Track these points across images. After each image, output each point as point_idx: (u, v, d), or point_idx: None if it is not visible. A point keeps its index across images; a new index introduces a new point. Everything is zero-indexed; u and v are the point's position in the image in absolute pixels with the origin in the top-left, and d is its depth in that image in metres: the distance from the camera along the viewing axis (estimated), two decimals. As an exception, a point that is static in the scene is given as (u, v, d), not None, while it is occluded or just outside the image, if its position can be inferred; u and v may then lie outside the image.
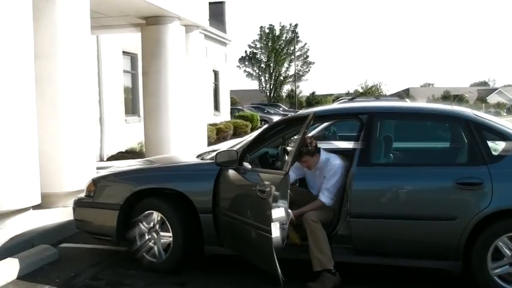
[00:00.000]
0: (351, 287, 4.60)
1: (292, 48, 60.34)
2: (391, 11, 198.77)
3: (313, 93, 65.35)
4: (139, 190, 5.19)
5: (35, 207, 6.57)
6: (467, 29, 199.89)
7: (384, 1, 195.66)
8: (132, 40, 14.84)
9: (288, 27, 61.22)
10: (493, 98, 73.26)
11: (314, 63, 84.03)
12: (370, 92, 62.26)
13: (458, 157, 4.94)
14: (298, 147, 4.50)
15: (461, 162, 4.73)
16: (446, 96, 65.02)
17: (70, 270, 5.23)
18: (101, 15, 10.46)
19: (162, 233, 5.09)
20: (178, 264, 5.06)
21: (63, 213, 6.78)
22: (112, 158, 13.82)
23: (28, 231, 5.98)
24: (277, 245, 4.11)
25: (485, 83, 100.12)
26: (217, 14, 25.79)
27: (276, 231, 4.11)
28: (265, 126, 5.82)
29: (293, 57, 60.08)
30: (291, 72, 61.48)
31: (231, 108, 29.72)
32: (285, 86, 63.54)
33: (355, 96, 43.68)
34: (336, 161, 4.88)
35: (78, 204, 5.69)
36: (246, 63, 62.82)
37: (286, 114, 21.79)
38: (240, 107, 34.21)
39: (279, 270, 4.04)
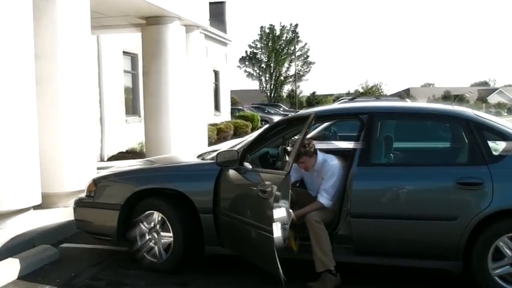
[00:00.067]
0: (351, 287, 4.60)
1: (292, 48, 60.33)
2: (392, 11, 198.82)
3: (314, 93, 65.36)
4: (139, 190, 5.20)
5: (36, 208, 6.57)
6: (467, 29, 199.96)
7: (384, 1, 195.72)
8: (133, 40, 14.85)
9: (288, 27, 61.32)
10: (493, 98, 73.23)
11: (314, 63, 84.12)
12: (371, 92, 62.27)
13: (458, 157, 4.94)
14: (299, 147, 4.50)
15: (462, 162, 4.72)
16: (447, 96, 65.03)
17: (71, 270, 5.23)
18: (101, 15, 10.46)
19: (162, 233, 5.09)
20: (179, 264, 5.06)
21: (63, 214, 6.79)
22: (112, 158, 13.83)
23: (29, 231, 5.98)
24: (279, 245, 4.11)
25: (485, 83, 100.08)
26: (217, 14, 25.81)
27: (277, 231, 4.11)
28: (266, 126, 5.82)
29: (293, 57, 60.08)
30: (292, 72, 61.58)
31: (232, 108, 29.72)
32: (285, 86, 63.60)
33: (355, 96, 43.67)
34: (333, 162, 4.88)
35: (79, 204, 5.69)
36: (247, 63, 62.84)
37: (287, 114, 21.79)
38: (240, 107, 34.19)
39: (281, 271, 4.04)
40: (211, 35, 23.64)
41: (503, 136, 4.56)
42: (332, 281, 4.47)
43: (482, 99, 70.48)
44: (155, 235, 5.11)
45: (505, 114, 54.04)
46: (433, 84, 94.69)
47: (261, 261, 4.45)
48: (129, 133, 15.18)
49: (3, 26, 5.88)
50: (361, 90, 65.60)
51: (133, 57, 16.39)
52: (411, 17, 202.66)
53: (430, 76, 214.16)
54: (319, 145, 5.51)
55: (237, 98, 47.76)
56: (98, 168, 7.86)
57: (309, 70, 63.24)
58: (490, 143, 4.48)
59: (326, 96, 63.86)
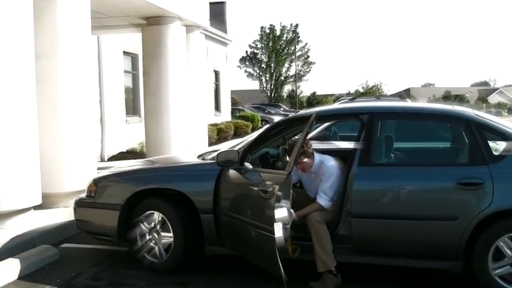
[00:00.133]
0: (351, 287, 4.60)
1: (292, 48, 60.34)
2: (392, 11, 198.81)
3: (314, 93, 65.38)
4: (140, 190, 5.20)
5: (36, 208, 6.58)
6: (468, 29, 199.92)
7: (384, 1, 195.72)
8: (133, 40, 14.85)
9: (288, 28, 61.34)
10: (493, 98, 73.22)
11: (315, 63, 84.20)
12: (371, 92, 62.26)
13: (459, 157, 4.93)
14: (300, 147, 4.49)
15: (462, 162, 4.72)
16: (447, 96, 65.02)
17: (71, 270, 5.23)
18: (102, 16, 10.47)
19: (163, 233, 5.09)
20: (179, 264, 5.06)
21: (64, 214, 6.79)
22: (113, 158, 13.83)
23: (29, 232, 5.99)
24: (280, 245, 4.11)
25: (486, 83, 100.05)
26: (217, 14, 25.81)
27: (278, 232, 4.11)
28: (266, 126, 5.82)
29: (294, 57, 60.09)
30: (292, 72, 61.60)
31: (232, 109, 29.72)
32: (285, 86, 63.63)
33: (355, 96, 43.67)
34: (331, 163, 4.87)
35: (79, 204, 5.69)
36: (247, 63, 62.86)
37: (287, 115, 21.78)
38: (240, 107, 34.18)
39: (282, 271, 4.04)
40: (211, 35, 23.65)
41: (503, 136, 4.56)
42: (333, 281, 4.47)
43: (482, 99, 70.48)
44: (155, 235, 5.11)
45: (506, 114, 54.04)
46: (434, 84, 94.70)
47: (262, 261, 4.45)
48: (130, 133, 15.18)
49: (4, 26, 5.89)
50: (362, 90, 65.60)
51: (133, 57, 16.40)
52: (411, 17, 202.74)
53: (431, 76, 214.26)
54: (319, 145, 5.52)
55: (237, 98, 47.76)
56: (98, 168, 7.86)
57: (309, 70, 63.36)
58: (491, 143, 4.48)
59: (326, 96, 63.86)
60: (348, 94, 61.65)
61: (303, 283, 4.54)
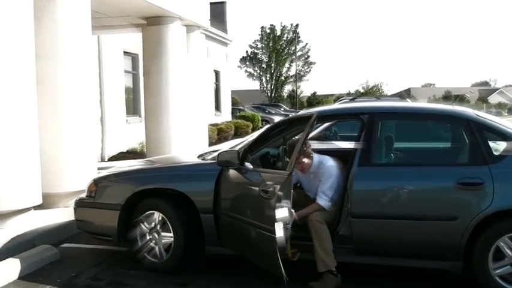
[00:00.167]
0: (352, 287, 4.60)
1: (293, 48, 60.38)
2: (392, 11, 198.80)
3: (314, 93, 65.39)
4: (140, 190, 5.20)
5: (36, 208, 6.58)
6: (468, 29, 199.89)
7: (385, 1, 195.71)
8: (133, 40, 14.85)
9: (289, 28, 61.38)
10: (494, 98, 73.18)
11: (315, 63, 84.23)
12: (371, 92, 62.26)
13: (459, 157, 4.93)
14: (301, 147, 4.49)
15: (463, 162, 4.72)
16: (448, 96, 65.00)
17: (71, 270, 5.23)
18: (102, 16, 10.47)
19: (163, 233, 5.09)
20: (180, 264, 5.06)
21: (64, 214, 6.79)
22: (113, 158, 13.83)
23: (29, 232, 5.99)
24: (281, 245, 4.12)
25: (486, 83, 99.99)
26: (218, 14, 25.80)
27: (279, 231, 4.11)
28: (267, 126, 5.82)
29: (294, 57, 60.12)
30: (292, 72, 61.64)
31: (232, 109, 29.73)
32: (286, 86, 63.66)
33: (356, 96, 43.67)
34: (329, 163, 4.87)
35: (79, 204, 5.69)
36: (247, 63, 62.88)
37: (287, 115, 21.77)
38: (241, 107, 34.20)
39: (283, 271, 4.04)
40: (212, 35, 23.64)
41: (503, 136, 4.56)
42: (333, 281, 4.47)
43: (483, 100, 70.44)
44: (156, 235, 5.11)
45: (506, 114, 54.00)
46: (434, 85, 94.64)
47: (262, 261, 4.45)
48: (130, 133, 15.19)
49: (4, 26, 5.89)
50: (362, 91, 65.59)
51: (134, 57, 16.41)
52: (412, 17, 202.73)
53: (431, 76, 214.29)
54: (319, 145, 5.51)
55: (237, 98, 47.78)
56: (99, 168, 7.86)
57: (310, 70, 63.42)
58: (491, 143, 4.48)
59: (327, 96, 63.87)
60: (348, 94, 61.65)
61: (303, 283, 4.54)
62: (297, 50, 60.26)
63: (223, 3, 29.37)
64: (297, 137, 5.23)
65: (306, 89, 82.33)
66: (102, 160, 13.50)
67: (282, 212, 4.13)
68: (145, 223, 5.14)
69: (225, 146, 5.81)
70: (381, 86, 66.37)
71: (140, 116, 15.63)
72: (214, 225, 4.93)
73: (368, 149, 4.67)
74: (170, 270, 5.03)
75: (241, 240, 4.73)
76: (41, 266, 5.34)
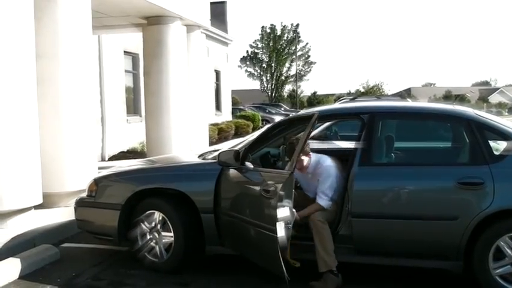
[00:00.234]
0: (352, 287, 4.60)
1: (293, 48, 60.35)
2: (393, 11, 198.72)
3: (315, 93, 65.38)
4: (140, 190, 5.20)
5: (37, 207, 6.59)
6: (468, 29, 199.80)
7: (385, 1, 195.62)
8: (134, 40, 14.86)
9: (289, 27, 61.37)
10: (494, 98, 73.15)
11: (315, 63, 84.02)
12: (372, 91, 62.22)
13: (459, 157, 4.93)
14: (303, 146, 4.49)
15: (463, 162, 4.72)
16: (448, 96, 64.98)
17: (72, 270, 5.23)
18: (103, 15, 10.47)
19: (163, 233, 5.09)
20: (180, 264, 5.06)
21: (64, 213, 6.79)
22: (113, 157, 13.83)
23: (30, 231, 5.99)
24: (283, 244, 4.12)
25: (486, 83, 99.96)
26: (218, 14, 25.80)
27: (281, 231, 4.12)
28: (267, 126, 5.81)
29: (294, 57, 60.10)
30: (293, 72, 61.62)
31: (233, 108, 29.74)
32: (286, 85, 63.64)
33: (356, 96, 43.66)
34: (327, 163, 4.86)
35: (80, 204, 5.69)
36: (248, 63, 62.86)
37: (288, 114, 21.75)
38: (241, 107, 34.21)
39: (285, 270, 4.04)
40: (212, 35, 23.64)
41: (504, 136, 4.55)
42: (334, 281, 4.47)
43: (483, 99, 70.42)
44: (156, 235, 5.11)
45: (506, 114, 53.95)
46: (434, 84, 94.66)
47: (263, 260, 4.45)
48: (130, 133, 15.19)
49: (4, 26, 5.89)
50: (362, 90, 65.56)
51: (134, 57, 16.41)
52: (412, 17, 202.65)
53: (431, 76, 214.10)
54: (320, 145, 5.51)
55: (238, 97, 47.77)
56: (99, 168, 7.86)
57: (310, 70, 63.42)
58: (491, 143, 4.48)
59: (327, 96, 63.88)
60: (349, 94, 61.62)
61: (304, 283, 4.53)
62: (298, 49, 60.26)
63: (223, 3, 29.37)
64: (296, 136, 5.19)
65: (306, 88, 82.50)
66: (103, 160, 13.50)
67: (284, 212, 4.13)
68: (145, 223, 5.14)
69: (225, 146, 5.81)
70: (381, 86, 66.38)
71: (141, 116, 15.63)
72: (215, 225, 4.93)
73: (368, 148, 4.67)
74: (170, 270, 5.03)
75: (242, 240, 4.73)
76: (42, 265, 5.34)
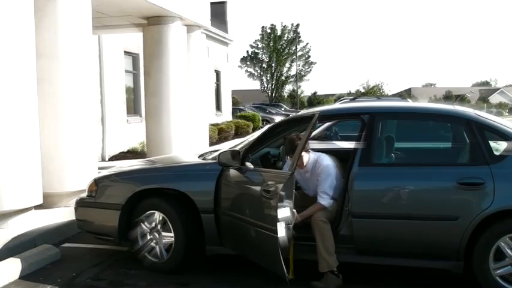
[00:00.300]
0: (353, 287, 4.60)
1: (293, 48, 60.34)
2: (393, 11, 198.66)
3: (315, 93, 65.41)
4: (141, 190, 5.20)
5: (37, 207, 6.59)
6: (469, 29, 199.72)
7: (385, 1, 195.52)
8: (134, 40, 14.86)
9: (289, 27, 61.32)
10: (495, 98, 73.13)
11: (316, 63, 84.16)
12: (372, 92, 62.22)
13: (460, 157, 4.93)
14: (303, 146, 4.49)
15: (463, 162, 4.72)
16: (448, 96, 65.02)
17: (72, 270, 5.23)
18: (103, 15, 10.47)
19: (163, 233, 5.09)
20: (180, 264, 5.06)
21: (65, 213, 6.79)
22: (114, 158, 13.84)
23: (30, 231, 5.99)
24: (283, 244, 4.12)
25: (487, 83, 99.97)
26: (218, 14, 25.79)
27: (281, 231, 4.12)
28: (267, 126, 5.81)
29: (295, 57, 60.08)
30: (293, 72, 61.60)
31: (233, 108, 29.74)
32: (286, 86, 63.63)
33: (356, 96, 43.66)
34: (326, 162, 4.85)
35: (80, 204, 5.69)
36: (248, 63, 62.84)
37: (288, 114, 21.75)
38: (241, 107, 34.21)
39: (285, 270, 4.04)
40: (212, 35, 23.64)
41: (504, 136, 4.55)
42: (334, 282, 4.47)
43: (483, 99, 70.38)
44: (156, 235, 5.11)
45: (506, 114, 53.93)
46: (435, 84, 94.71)
47: (264, 261, 4.45)
48: (131, 133, 15.19)
49: (5, 26, 5.89)
50: (363, 90, 65.56)
51: (134, 57, 16.40)
52: (412, 17, 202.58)
53: (432, 76, 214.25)
54: (320, 145, 5.51)
55: (238, 98, 47.80)
56: (99, 168, 7.87)
57: (310, 70, 63.32)
58: (492, 143, 4.47)
59: (327, 96, 63.91)
60: (349, 94, 61.65)
61: (304, 282, 4.53)
62: (298, 49, 60.24)
63: (223, 3, 29.37)
64: (297, 133, 5.14)
65: (306, 88, 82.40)
66: (103, 160, 13.51)
67: (284, 212, 4.14)
68: (146, 223, 5.14)
69: (225, 146, 5.81)
70: (381, 86, 66.35)
71: (141, 116, 15.64)
72: (215, 225, 4.93)
73: (369, 149, 4.67)
74: (171, 270, 5.03)
75: (242, 240, 4.73)
76: (42, 265, 5.34)
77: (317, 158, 4.91)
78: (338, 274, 4.50)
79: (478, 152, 4.43)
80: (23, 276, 5.04)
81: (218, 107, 26.20)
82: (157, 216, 5.11)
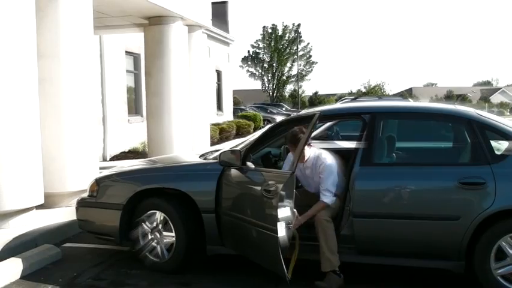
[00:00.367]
0: (353, 287, 4.59)
1: (295, 48, 60.33)
2: (394, 11, 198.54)
3: (316, 93, 65.41)
4: (142, 190, 5.20)
5: (38, 207, 6.59)
6: (470, 29, 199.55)
7: (386, 1, 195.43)
8: (135, 40, 14.87)
9: (290, 27, 61.34)
10: (496, 98, 73.08)
11: (317, 63, 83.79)
12: (373, 91, 62.19)
13: (461, 157, 4.93)
14: (304, 146, 4.48)
15: (465, 161, 4.72)
16: (449, 96, 64.95)
17: (73, 270, 5.24)
18: (104, 15, 10.47)
19: (165, 233, 5.09)
20: (181, 264, 5.06)
21: (66, 213, 6.80)
22: (115, 158, 13.85)
23: (31, 231, 5.99)
24: (284, 244, 4.12)
25: (488, 83, 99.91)
26: (220, 14, 25.81)
27: (282, 231, 4.11)
28: (269, 126, 5.81)
29: (296, 57, 60.07)
30: (294, 72, 61.58)
31: (234, 108, 29.74)
32: (287, 85, 63.63)
33: (357, 96, 43.63)
34: (328, 160, 4.84)
35: (81, 204, 5.70)
36: (249, 63, 62.86)
37: (289, 114, 21.74)
38: (242, 107, 34.23)
39: (285, 270, 4.04)
40: (213, 35, 23.64)
41: (505, 136, 4.55)
42: (336, 281, 4.48)
43: (484, 99, 70.32)
44: (157, 235, 5.12)
45: (508, 114, 53.85)
46: (436, 84, 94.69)
47: (265, 260, 4.45)
48: (132, 133, 15.20)
49: (6, 26, 5.90)
50: (364, 90, 65.53)
51: (135, 57, 16.41)
52: (414, 17, 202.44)
53: (433, 76, 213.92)
54: (321, 145, 5.50)
55: (239, 97, 47.81)
56: (100, 168, 7.87)
57: (312, 70, 63.29)
58: (493, 143, 4.47)
59: (328, 96, 63.89)
60: (350, 94, 61.62)
61: (304, 282, 4.53)
62: (299, 49, 60.24)
63: (225, 3, 29.38)
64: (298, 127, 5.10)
65: (307, 88, 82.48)
66: (104, 160, 13.52)
67: (285, 212, 4.13)
68: (147, 223, 5.14)
69: (226, 146, 5.80)
70: (382, 86, 66.32)
71: (142, 116, 15.64)
72: (216, 225, 4.93)
73: (370, 148, 4.67)
74: (172, 270, 5.03)
75: (243, 240, 4.73)
76: (43, 265, 5.34)
77: (318, 155, 4.91)
78: (340, 274, 4.50)
79: (479, 152, 4.43)
80: (24, 276, 5.04)
81: (219, 107, 26.21)
82: (159, 216, 5.11)
